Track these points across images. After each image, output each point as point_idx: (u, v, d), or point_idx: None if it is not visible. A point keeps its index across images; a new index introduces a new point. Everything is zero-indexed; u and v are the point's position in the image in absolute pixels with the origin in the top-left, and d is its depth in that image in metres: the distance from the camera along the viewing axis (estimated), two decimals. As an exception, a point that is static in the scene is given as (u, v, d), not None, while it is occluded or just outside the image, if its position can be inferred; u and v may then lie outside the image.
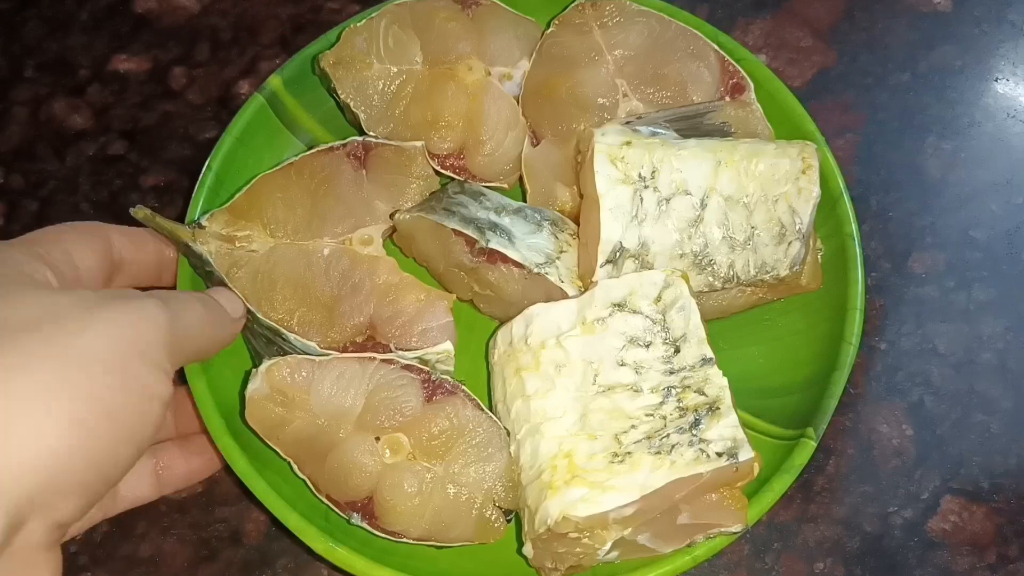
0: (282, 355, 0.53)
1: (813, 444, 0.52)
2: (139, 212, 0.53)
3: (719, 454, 0.48)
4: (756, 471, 0.49)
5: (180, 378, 0.57)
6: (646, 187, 0.54)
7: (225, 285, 0.55)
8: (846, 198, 0.58)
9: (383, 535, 0.51)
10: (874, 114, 0.70)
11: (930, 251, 0.65)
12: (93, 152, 0.69)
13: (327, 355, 0.53)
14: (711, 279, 0.55)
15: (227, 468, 0.53)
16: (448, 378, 0.53)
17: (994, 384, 0.61)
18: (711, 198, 0.54)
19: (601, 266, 0.54)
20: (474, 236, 0.55)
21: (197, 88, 0.71)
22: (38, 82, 0.72)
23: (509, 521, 0.52)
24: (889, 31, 0.73)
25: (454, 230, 0.55)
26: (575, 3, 0.62)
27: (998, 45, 0.73)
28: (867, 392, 0.57)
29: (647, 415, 0.50)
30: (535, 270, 0.55)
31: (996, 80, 0.71)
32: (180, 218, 0.66)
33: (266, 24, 0.73)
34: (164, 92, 0.71)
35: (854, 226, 0.58)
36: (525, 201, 0.60)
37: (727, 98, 0.61)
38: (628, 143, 0.54)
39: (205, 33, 0.73)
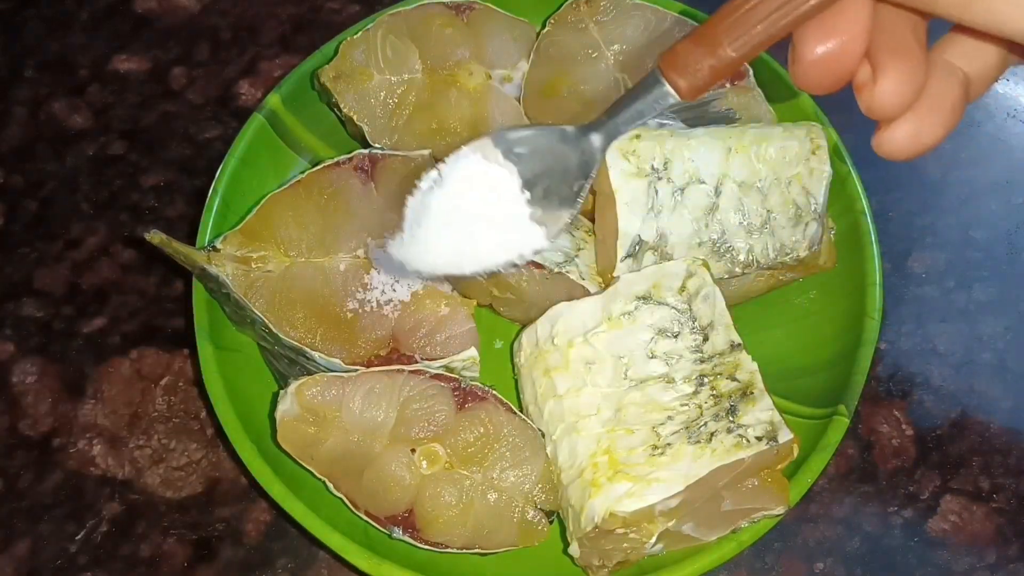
0: (307, 374, 0.53)
1: (846, 421, 0.52)
2: (154, 237, 0.52)
3: (758, 438, 0.48)
4: (795, 452, 0.50)
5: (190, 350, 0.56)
6: (660, 178, 0.54)
7: (243, 307, 0.54)
8: (854, 175, 0.59)
9: (426, 547, 0.51)
10: (874, 114, 0.70)
11: (930, 251, 0.65)
12: (93, 152, 0.68)
13: (354, 371, 0.53)
14: (730, 265, 0.55)
15: (261, 490, 0.52)
16: (478, 384, 0.53)
17: (994, 384, 0.61)
18: (725, 185, 0.54)
19: (621, 260, 0.54)
20: (492, 240, 0.54)
21: (197, 88, 0.70)
22: (38, 82, 0.71)
23: (551, 522, 0.52)
24: (889, 32, 0.74)
25: (471, 235, 0.55)
26: (569, 1, 0.62)
27: (998, 45, 0.73)
28: (867, 392, 0.57)
29: (682, 405, 0.50)
30: (556, 269, 0.54)
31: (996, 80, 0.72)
32: (181, 218, 0.66)
33: (266, 24, 0.73)
34: (164, 92, 0.71)
35: (865, 202, 0.58)
36: (535, 202, 0.60)
37: (728, 85, 0.61)
38: (638, 136, 0.55)
39: (205, 33, 0.73)
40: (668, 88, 0.37)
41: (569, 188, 0.41)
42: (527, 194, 0.41)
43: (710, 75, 0.35)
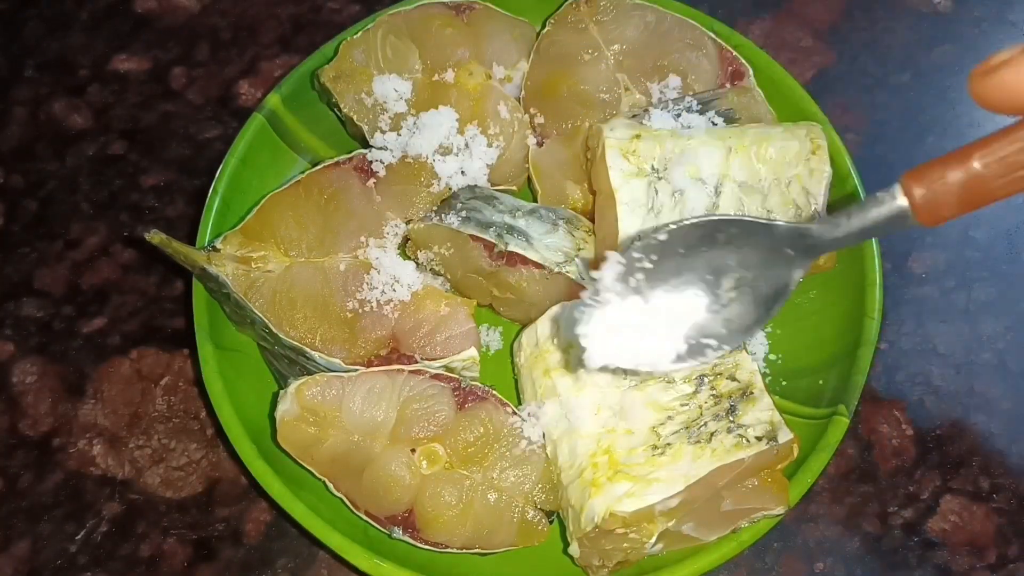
0: (307, 374, 0.53)
1: (846, 421, 0.52)
2: (154, 237, 0.52)
3: (758, 438, 0.48)
4: (795, 452, 0.50)
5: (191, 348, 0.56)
6: (660, 178, 0.54)
7: (243, 307, 0.54)
8: (854, 175, 0.59)
9: (426, 547, 0.51)
10: (874, 114, 0.70)
11: (930, 251, 0.65)
12: (93, 152, 0.68)
13: (354, 371, 0.53)
14: (731, 265, 0.55)
15: (261, 490, 0.52)
16: (478, 384, 0.53)
17: (994, 384, 0.61)
18: (725, 185, 0.54)
19: (621, 260, 0.54)
20: (492, 240, 0.54)
21: (197, 88, 0.70)
22: (38, 82, 0.71)
23: (551, 522, 0.52)
24: (889, 31, 0.73)
25: (471, 236, 0.55)
26: (569, 1, 0.62)
27: (998, 45, 0.72)
28: (867, 392, 0.57)
29: (682, 405, 0.50)
30: (556, 269, 0.54)
31: None
32: (181, 217, 0.66)
33: (266, 24, 0.73)
34: (164, 92, 0.71)
35: (865, 202, 0.58)
36: (535, 201, 0.60)
37: (728, 85, 0.61)
38: (638, 136, 0.55)
39: (205, 33, 0.73)
40: (901, 199, 0.33)
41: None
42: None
43: (954, 189, 0.32)
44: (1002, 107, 0.30)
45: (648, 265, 0.39)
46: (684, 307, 0.39)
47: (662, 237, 0.39)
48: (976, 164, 0.32)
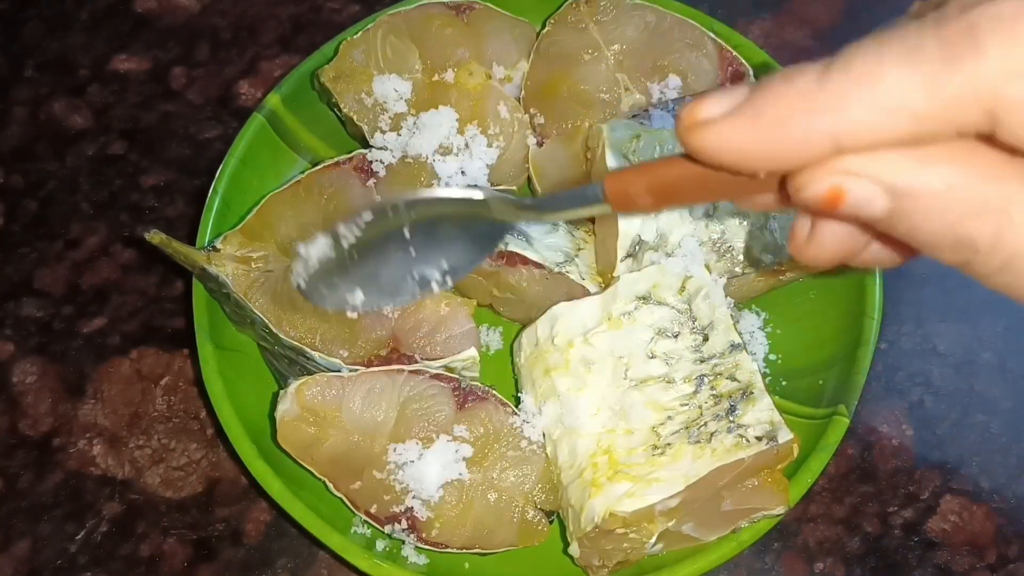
0: (307, 374, 0.53)
1: (846, 421, 0.52)
2: (154, 237, 0.52)
3: (758, 438, 0.48)
4: (795, 452, 0.50)
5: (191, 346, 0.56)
6: (660, 178, 0.54)
7: (243, 307, 0.54)
8: (854, 176, 0.59)
9: (426, 547, 0.51)
10: (874, 115, 0.70)
11: (931, 251, 0.65)
12: (93, 152, 0.68)
13: (354, 371, 0.53)
14: (730, 265, 0.55)
15: (261, 490, 0.52)
16: (477, 384, 0.53)
17: (994, 384, 0.61)
18: (725, 185, 0.54)
19: (621, 260, 0.54)
20: (492, 240, 0.54)
21: (197, 88, 0.70)
22: (38, 82, 0.71)
23: (551, 522, 0.52)
24: (889, 32, 0.74)
25: (471, 235, 0.55)
26: (569, 1, 0.62)
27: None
28: (867, 392, 0.56)
29: (682, 405, 0.50)
30: (556, 269, 0.55)
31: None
32: (181, 217, 0.66)
33: (266, 24, 0.73)
34: (164, 92, 0.71)
35: (865, 202, 0.58)
36: (535, 202, 0.60)
37: (728, 85, 0.61)
38: (637, 136, 0.55)
39: (205, 33, 0.73)
40: (599, 187, 0.35)
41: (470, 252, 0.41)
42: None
43: (643, 186, 0.33)
44: (717, 166, 0.29)
45: (358, 232, 0.41)
46: (402, 254, 0.41)
47: (367, 217, 0.40)
48: (669, 171, 0.32)
